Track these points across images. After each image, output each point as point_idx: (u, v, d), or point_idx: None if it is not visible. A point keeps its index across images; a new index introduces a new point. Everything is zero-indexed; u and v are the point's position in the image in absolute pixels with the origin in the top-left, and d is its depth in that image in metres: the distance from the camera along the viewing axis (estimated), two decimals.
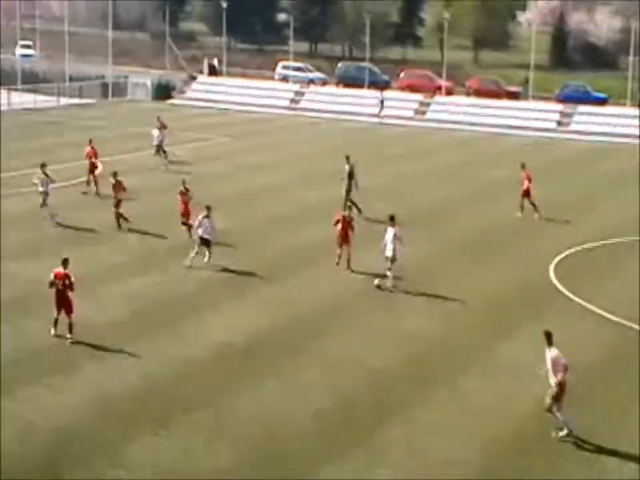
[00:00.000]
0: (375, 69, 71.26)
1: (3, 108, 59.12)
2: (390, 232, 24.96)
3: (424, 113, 64.04)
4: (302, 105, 66.84)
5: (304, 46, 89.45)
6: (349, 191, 33.20)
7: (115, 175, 31.29)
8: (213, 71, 74.12)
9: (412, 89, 67.98)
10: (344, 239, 26.80)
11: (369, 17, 69.48)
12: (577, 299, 25.10)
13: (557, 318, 23.08)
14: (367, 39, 68.82)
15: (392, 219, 25.19)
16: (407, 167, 45.20)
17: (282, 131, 56.60)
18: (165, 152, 41.92)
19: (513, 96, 66.05)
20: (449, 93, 67.30)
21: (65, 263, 21.05)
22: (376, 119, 61.24)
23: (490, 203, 37.06)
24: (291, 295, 25.08)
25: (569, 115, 61.16)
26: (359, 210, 32.63)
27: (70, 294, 20.97)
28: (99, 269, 26.34)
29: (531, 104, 63.86)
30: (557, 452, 16.87)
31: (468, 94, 67.42)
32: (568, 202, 37.49)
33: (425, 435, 17.36)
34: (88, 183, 35.94)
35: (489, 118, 60.87)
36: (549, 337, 17.24)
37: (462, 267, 28.15)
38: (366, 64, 69.93)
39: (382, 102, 62.50)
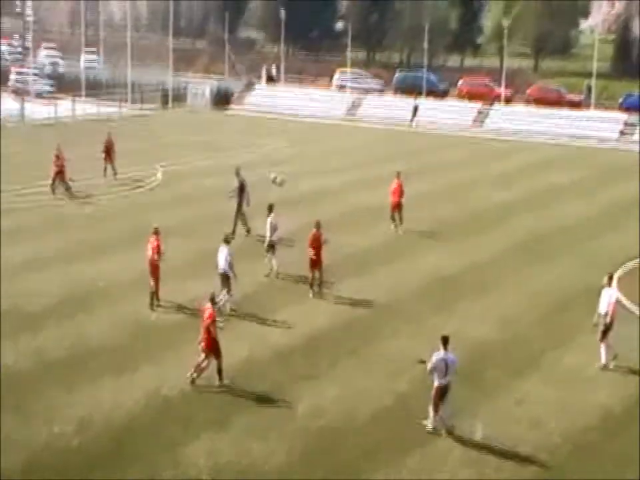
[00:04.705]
0: (433, 76, 70.93)
1: (66, 114, 60.22)
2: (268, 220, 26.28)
3: (483, 121, 63.53)
4: (359, 112, 66.82)
5: (362, 54, 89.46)
6: (239, 207, 30.44)
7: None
8: (270, 78, 74.60)
9: (471, 96, 67.53)
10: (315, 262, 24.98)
11: (427, 24, 69.16)
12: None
13: (620, 330, 22.49)
14: (425, 47, 68.48)
15: (270, 208, 26.50)
16: (464, 173, 44.88)
17: (339, 139, 56.62)
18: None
19: (575, 104, 65.09)
20: (509, 100, 66.60)
21: (213, 300, 19.17)
22: (446, 129, 60.90)
23: (546, 209, 36.76)
24: (345, 299, 24.95)
25: (633, 125, 60.00)
26: (248, 230, 30.34)
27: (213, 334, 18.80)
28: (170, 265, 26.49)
29: (594, 113, 62.85)
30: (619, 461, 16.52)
31: (528, 102, 66.67)
32: (622, 211, 36.67)
33: (479, 444, 17.07)
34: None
35: (550, 127, 60.08)
36: (445, 341, 17.09)
37: (520, 271, 27.97)
38: (424, 72, 69.61)
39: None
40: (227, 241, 23.80)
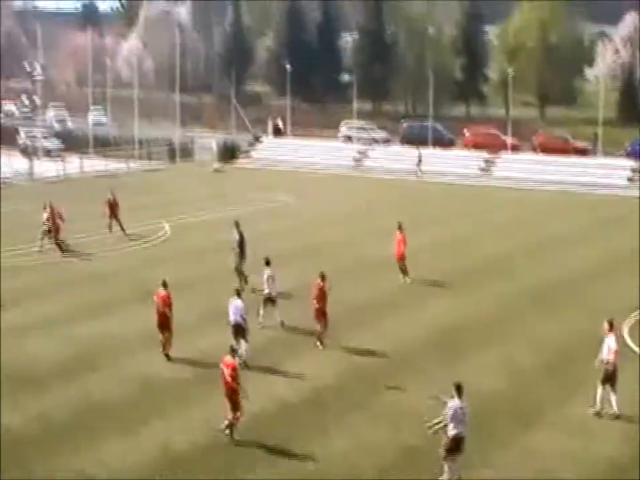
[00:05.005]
0: (439, 126, 71.22)
1: (74, 170, 60.65)
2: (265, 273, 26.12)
3: (489, 170, 63.61)
4: (366, 164, 67.04)
5: (367, 104, 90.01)
6: (240, 260, 30.75)
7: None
8: (277, 131, 75.12)
9: (477, 146, 67.69)
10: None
11: (431, 74, 69.69)
12: None
13: (629, 380, 22.18)
14: (430, 97, 68.94)
15: (267, 262, 26.31)
16: (470, 223, 44.81)
17: (345, 190, 56.70)
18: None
19: (581, 152, 65.16)
20: (515, 149, 66.76)
21: (233, 351, 19.39)
22: (448, 179, 61.00)
23: (553, 258, 36.49)
24: (351, 350, 24.77)
25: None
26: (245, 281, 30.00)
27: (236, 386, 18.85)
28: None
29: (601, 160, 62.82)
30: None
31: (535, 150, 66.79)
32: (630, 259, 36.23)
33: None
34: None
35: (557, 175, 59.95)
36: (458, 389, 16.71)
37: (526, 320, 27.76)
38: (429, 122, 69.94)
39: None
40: (238, 293, 23.80)
